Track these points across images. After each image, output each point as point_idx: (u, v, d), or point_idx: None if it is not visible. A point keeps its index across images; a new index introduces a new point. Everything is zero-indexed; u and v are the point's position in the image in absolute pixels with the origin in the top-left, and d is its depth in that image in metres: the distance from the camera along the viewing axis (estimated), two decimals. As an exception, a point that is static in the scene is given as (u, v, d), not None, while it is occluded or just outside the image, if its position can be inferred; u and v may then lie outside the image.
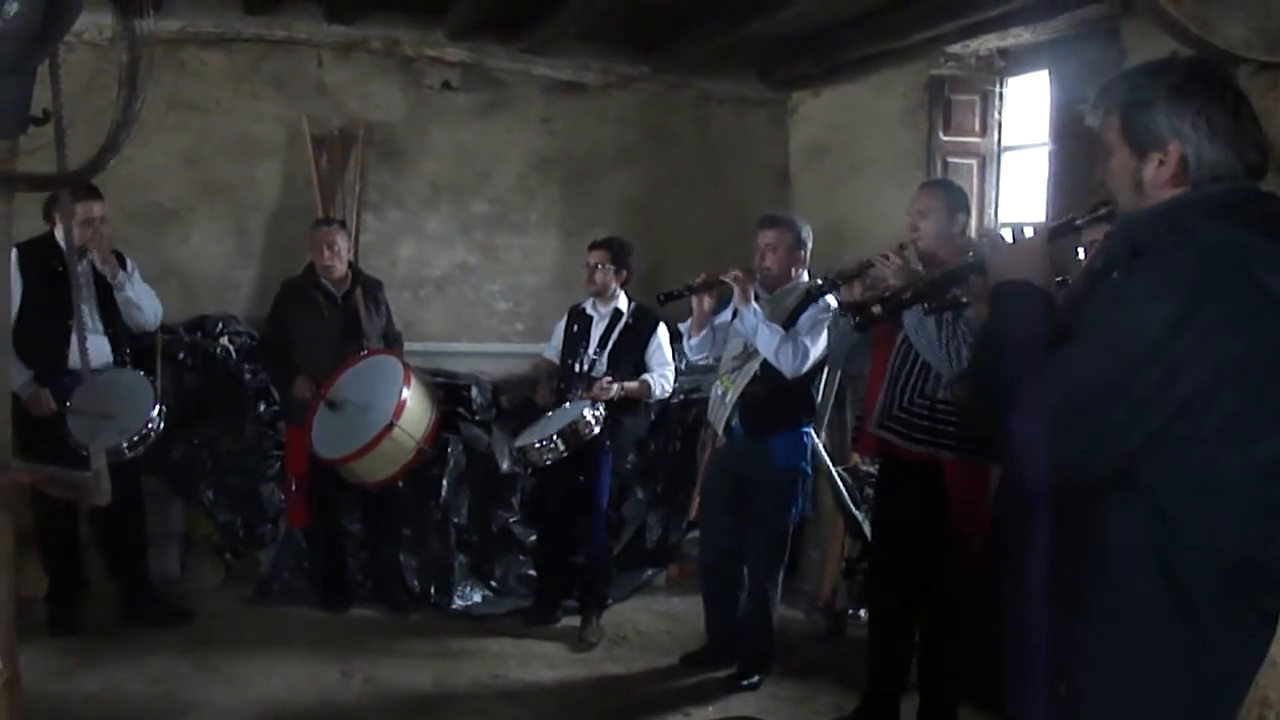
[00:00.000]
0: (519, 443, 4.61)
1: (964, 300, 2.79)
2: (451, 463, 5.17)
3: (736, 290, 3.96)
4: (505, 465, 5.23)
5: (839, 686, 4.12)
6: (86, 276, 4.24)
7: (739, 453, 4.11)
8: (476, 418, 5.40)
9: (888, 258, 3.28)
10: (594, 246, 4.78)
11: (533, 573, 5.16)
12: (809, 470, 4.19)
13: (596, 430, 4.44)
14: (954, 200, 3.54)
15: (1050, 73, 5.10)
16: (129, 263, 4.44)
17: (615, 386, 4.54)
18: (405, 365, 4.64)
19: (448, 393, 5.30)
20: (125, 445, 4.03)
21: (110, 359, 4.33)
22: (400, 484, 4.84)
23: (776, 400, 4.00)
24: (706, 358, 4.34)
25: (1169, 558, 1.58)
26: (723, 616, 4.31)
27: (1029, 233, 1.91)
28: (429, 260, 5.93)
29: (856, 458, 4.88)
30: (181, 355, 4.97)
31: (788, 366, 3.88)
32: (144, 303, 4.41)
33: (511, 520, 5.29)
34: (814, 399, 4.22)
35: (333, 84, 5.66)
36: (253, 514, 5.03)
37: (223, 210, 5.52)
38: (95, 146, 2.10)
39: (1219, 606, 1.58)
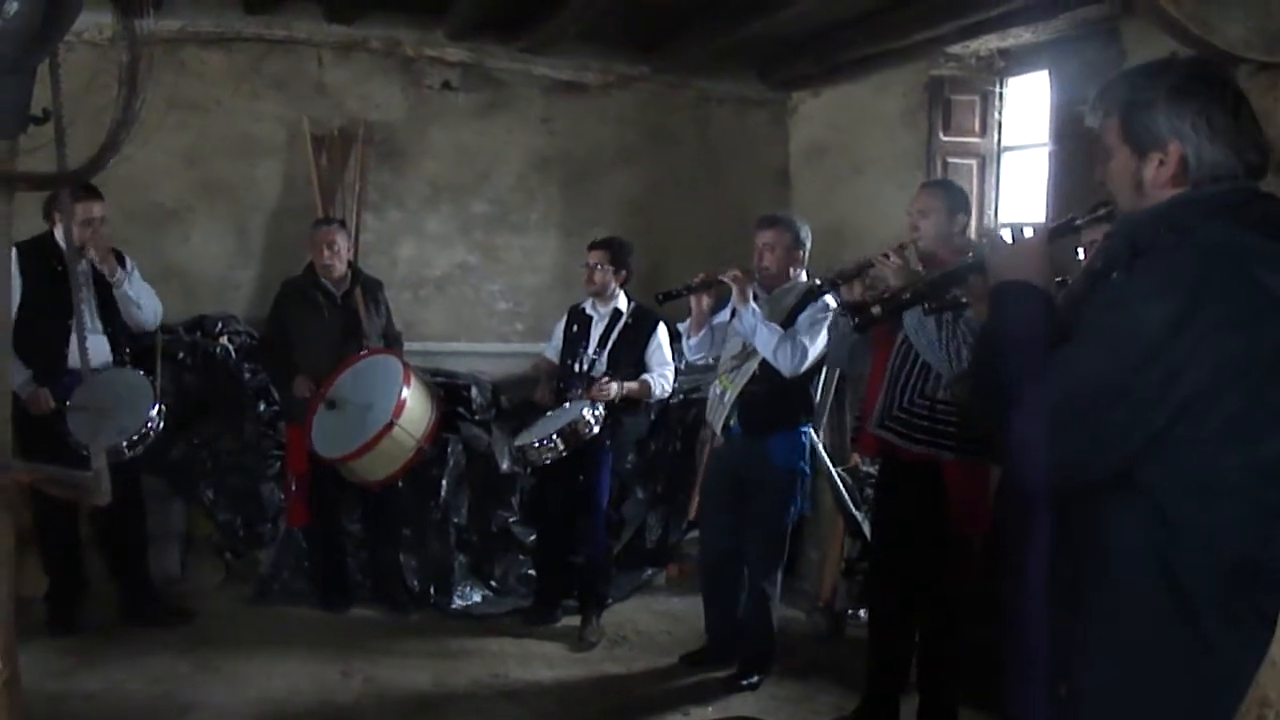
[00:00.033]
0: (519, 442, 4.61)
1: (964, 301, 2.78)
2: (451, 462, 5.17)
3: (735, 290, 3.97)
4: (505, 465, 5.23)
5: (839, 686, 4.12)
6: (86, 276, 4.24)
7: (737, 452, 4.11)
8: (476, 417, 5.40)
9: (888, 257, 3.28)
10: (593, 247, 4.78)
11: (533, 572, 5.16)
12: (807, 470, 4.19)
13: (596, 430, 4.44)
14: (954, 200, 3.54)
15: (1050, 73, 5.10)
16: (128, 261, 4.44)
17: (614, 387, 4.54)
18: (405, 365, 4.64)
19: (447, 392, 5.30)
20: (125, 445, 4.04)
21: (110, 358, 4.33)
22: (400, 483, 4.85)
23: (775, 400, 4.01)
24: (705, 358, 4.35)
25: (1169, 558, 1.58)
26: (722, 616, 4.31)
27: (1028, 233, 1.91)
28: (429, 260, 5.93)
29: (856, 458, 4.88)
30: (181, 355, 4.97)
31: (786, 366, 3.89)
32: (143, 301, 4.41)
33: (511, 520, 5.29)
34: (812, 398, 4.22)
35: (333, 84, 5.66)
36: (253, 513, 5.03)
37: (223, 210, 5.52)
38: (95, 146, 2.10)
39: (1219, 607, 1.58)
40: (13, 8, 1.84)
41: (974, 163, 5.62)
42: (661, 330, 4.73)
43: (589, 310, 4.80)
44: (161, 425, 4.20)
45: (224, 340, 5.15)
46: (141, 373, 4.34)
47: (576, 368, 4.71)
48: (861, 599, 4.65)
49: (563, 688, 4.14)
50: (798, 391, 4.05)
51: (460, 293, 6.01)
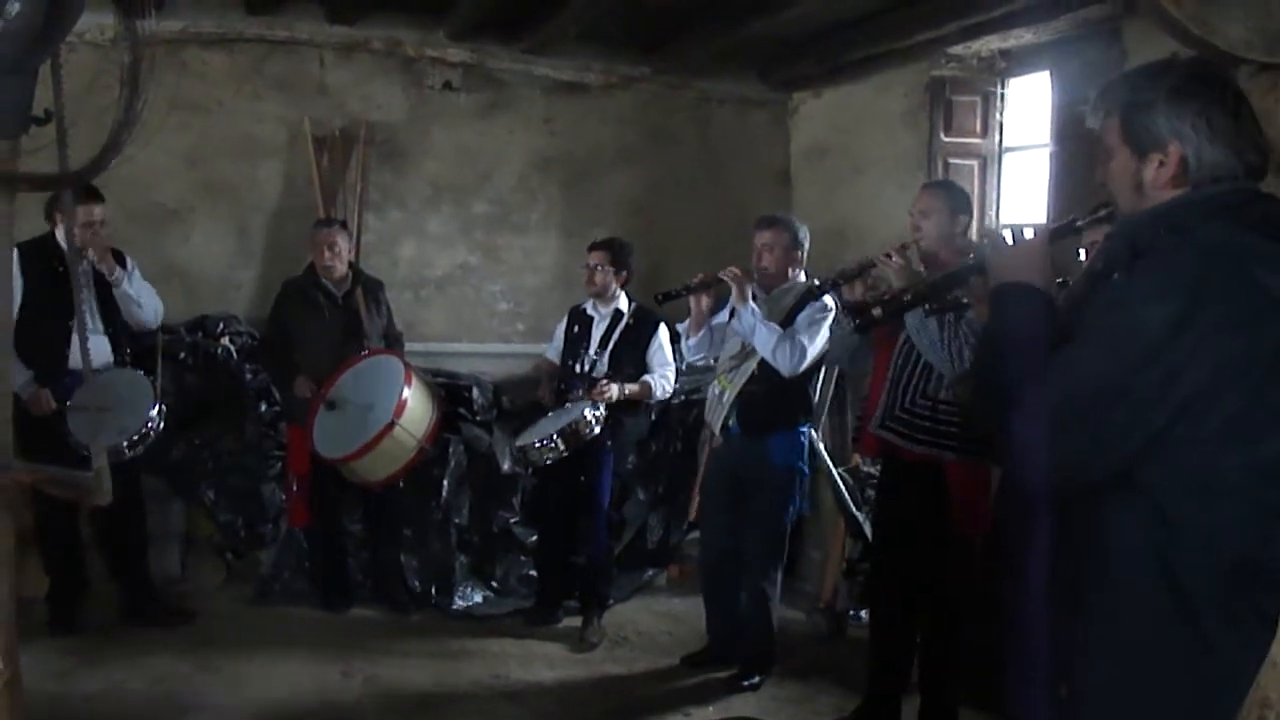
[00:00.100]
0: (520, 442, 4.61)
1: (965, 301, 2.79)
2: (452, 463, 5.18)
3: (734, 289, 3.97)
4: (506, 465, 5.23)
5: (840, 687, 4.12)
6: (87, 276, 4.24)
7: (736, 452, 4.12)
8: (477, 418, 5.40)
9: (890, 258, 3.28)
10: (593, 247, 4.78)
11: (534, 573, 5.16)
12: (806, 469, 4.19)
13: (597, 430, 4.44)
14: (956, 201, 3.54)
15: (1051, 74, 5.10)
16: (129, 261, 4.44)
17: (614, 389, 4.54)
18: (406, 365, 4.64)
19: (449, 393, 5.30)
20: (125, 445, 4.04)
21: (110, 359, 4.34)
22: (401, 484, 4.84)
23: (774, 399, 4.01)
24: (704, 358, 4.35)
25: (1169, 558, 1.58)
26: (723, 617, 4.31)
27: (1029, 234, 1.91)
28: (430, 260, 5.93)
29: (857, 458, 4.88)
30: (183, 355, 4.97)
31: (785, 365, 3.89)
32: (143, 300, 4.41)
33: (512, 520, 5.29)
34: (811, 398, 4.23)
35: (334, 84, 5.67)
36: (254, 514, 5.03)
37: (224, 210, 5.53)
38: (97, 147, 2.10)
39: (1219, 607, 1.58)
40: (14, 8, 1.84)
41: (975, 163, 5.62)
42: (663, 331, 4.73)
43: (590, 311, 4.81)
44: (162, 425, 4.21)
45: (225, 340, 5.15)
46: (142, 373, 4.34)
47: (577, 368, 4.71)
48: (863, 599, 4.65)
49: (564, 688, 4.14)
50: (796, 391, 4.05)
51: (461, 293, 6.01)
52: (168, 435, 4.42)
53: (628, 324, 4.71)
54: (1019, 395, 1.62)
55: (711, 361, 4.34)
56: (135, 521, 4.48)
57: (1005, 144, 5.65)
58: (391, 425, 4.38)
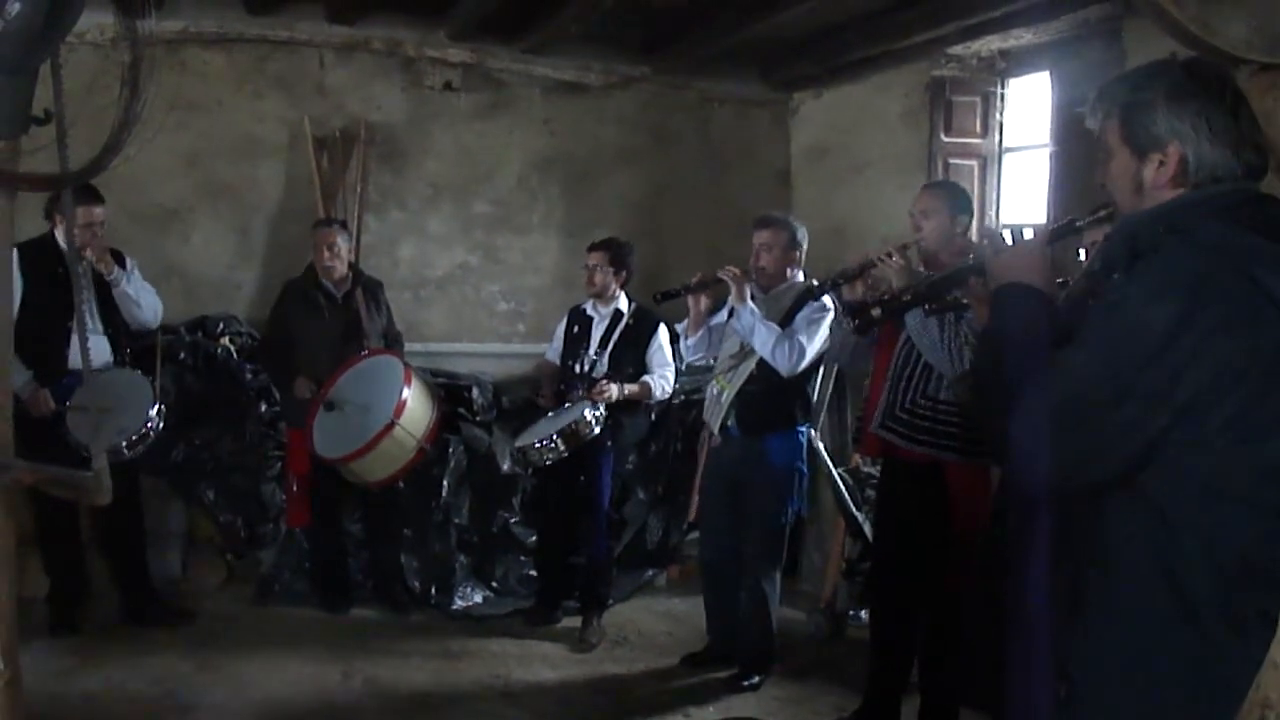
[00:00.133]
0: (519, 443, 4.61)
1: (965, 302, 2.78)
2: (452, 463, 5.18)
3: (733, 288, 3.98)
4: (506, 466, 5.23)
5: (840, 687, 4.11)
6: (87, 277, 4.24)
7: (735, 452, 4.12)
8: (477, 418, 5.40)
9: (890, 257, 3.28)
10: (593, 248, 4.78)
11: (533, 573, 5.16)
12: (805, 469, 4.19)
13: (597, 430, 4.44)
14: (956, 201, 3.54)
15: (1051, 74, 5.10)
16: (128, 261, 4.44)
17: (614, 388, 4.54)
18: (406, 365, 4.64)
19: (449, 393, 5.31)
20: (124, 445, 4.03)
21: (110, 359, 4.34)
22: (401, 484, 4.84)
23: (772, 399, 4.01)
24: (703, 358, 4.35)
25: (1170, 559, 1.58)
26: (723, 617, 4.31)
27: (1028, 234, 1.91)
28: (430, 261, 5.93)
29: (858, 458, 4.88)
30: (183, 355, 4.97)
31: (784, 365, 3.89)
32: (143, 299, 4.41)
33: (512, 521, 5.30)
34: (810, 398, 4.23)
35: (334, 84, 5.67)
36: (254, 514, 5.03)
37: (224, 210, 5.53)
38: (97, 147, 2.10)
39: (1220, 607, 1.58)
40: (14, 8, 1.85)
41: (975, 164, 5.62)
42: (662, 331, 4.73)
43: (590, 311, 4.81)
44: (161, 425, 4.20)
45: (225, 341, 5.15)
46: (141, 373, 4.33)
47: (577, 369, 4.72)
48: (863, 599, 4.65)
49: (564, 688, 4.14)
50: (795, 391, 4.05)
51: (461, 293, 6.01)
52: (168, 435, 4.42)
53: (627, 324, 4.71)
54: (1019, 396, 1.62)
55: (710, 361, 4.35)
56: (133, 521, 4.48)
57: (1005, 144, 5.65)
58: (391, 425, 4.38)
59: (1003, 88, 5.58)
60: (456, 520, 5.18)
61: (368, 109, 5.71)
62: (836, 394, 5.28)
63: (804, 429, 4.18)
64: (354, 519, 5.02)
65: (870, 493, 4.68)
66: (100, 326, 4.30)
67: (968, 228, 3.62)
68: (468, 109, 5.93)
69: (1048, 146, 5.11)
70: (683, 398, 5.38)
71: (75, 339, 3.84)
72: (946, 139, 5.61)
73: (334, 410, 4.54)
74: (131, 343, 4.47)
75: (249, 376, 5.10)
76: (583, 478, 4.66)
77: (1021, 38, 5.11)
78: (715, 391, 4.18)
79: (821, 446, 4.81)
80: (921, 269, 3.38)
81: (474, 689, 4.08)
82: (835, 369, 4.78)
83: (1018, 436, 1.62)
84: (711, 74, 6.21)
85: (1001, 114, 5.62)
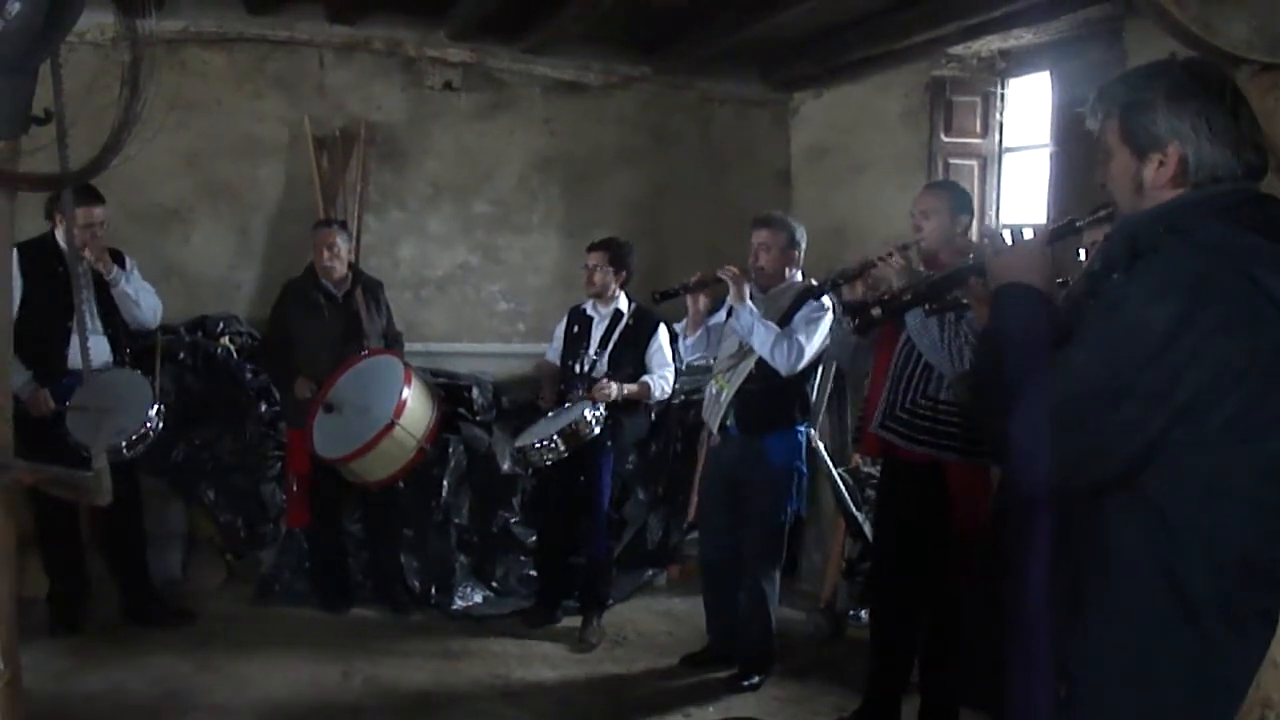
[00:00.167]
0: (519, 443, 4.61)
1: (965, 302, 2.78)
2: (452, 463, 5.18)
3: (732, 288, 3.98)
4: (506, 465, 5.23)
5: (840, 687, 4.11)
6: (87, 276, 4.23)
7: (734, 452, 4.12)
8: (477, 418, 5.40)
9: (891, 256, 3.28)
10: (593, 248, 4.78)
11: (533, 573, 5.16)
12: (804, 468, 4.19)
13: (597, 430, 4.44)
14: (957, 201, 3.54)
15: (1052, 74, 5.11)
16: (128, 261, 4.44)
17: (614, 387, 4.54)
18: (406, 365, 4.64)
19: (449, 393, 5.31)
20: (124, 445, 4.03)
21: (110, 359, 4.33)
22: (401, 484, 4.85)
23: (771, 399, 4.01)
24: (702, 358, 4.35)
25: (1170, 559, 1.58)
26: (723, 616, 4.31)
27: (1028, 235, 1.91)
28: (430, 260, 5.93)
29: (858, 458, 4.88)
30: (183, 355, 4.97)
31: (783, 364, 3.89)
32: (142, 299, 4.40)
33: (512, 521, 5.30)
34: (809, 397, 4.23)
35: (334, 84, 5.67)
36: (254, 514, 5.03)
37: (224, 210, 5.53)
38: (97, 146, 2.10)
39: (1220, 607, 1.58)
40: (14, 8, 1.85)
41: (975, 164, 5.63)
42: (662, 331, 4.73)
43: (589, 311, 4.81)
44: (161, 425, 4.20)
45: (225, 341, 5.15)
46: (140, 373, 4.33)
47: (577, 369, 4.71)
48: (862, 600, 4.65)
49: (563, 688, 4.14)
50: (794, 390, 4.06)
51: (462, 293, 6.01)
52: (168, 435, 4.42)
53: (627, 324, 4.71)
54: (1019, 396, 1.62)
55: (710, 361, 4.35)
56: (134, 521, 4.48)
57: (1005, 144, 5.65)
58: (391, 425, 4.38)
59: (1003, 88, 5.59)
60: (456, 520, 5.18)
61: (368, 109, 5.71)
62: (837, 394, 5.29)
63: (803, 428, 4.18)
64: (354, 519, 5.02)
65: (870, 493, 4.68)
66: (100, 326, 4.29)
67: (968, 228, 3.62)
68: (468, 109, 5.93)
69: (1048, 146, 5.11)
70: (683, 398, 5.38)
71: (75, 339, 3.85)
72: (947, 139, 5.61)
73: (330, 413, 4.53)
74: (131, 343, 4.47)
75: (249, 376, 5.10)
76: (583, 478, 4.66)
77: (1022, 38, 5.12)
78: (714, 391, 4.18)
79: (821, 446, 4.81)
80: (922, 269, 3.38)
81: (474, 689, 4.08)
82: (834, 368, 4.78)
83: (1018, 436, 1.62)
84: (711, 74, 6.21)
85: (1002, 114, 5.63)
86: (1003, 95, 5.60)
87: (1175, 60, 1.78)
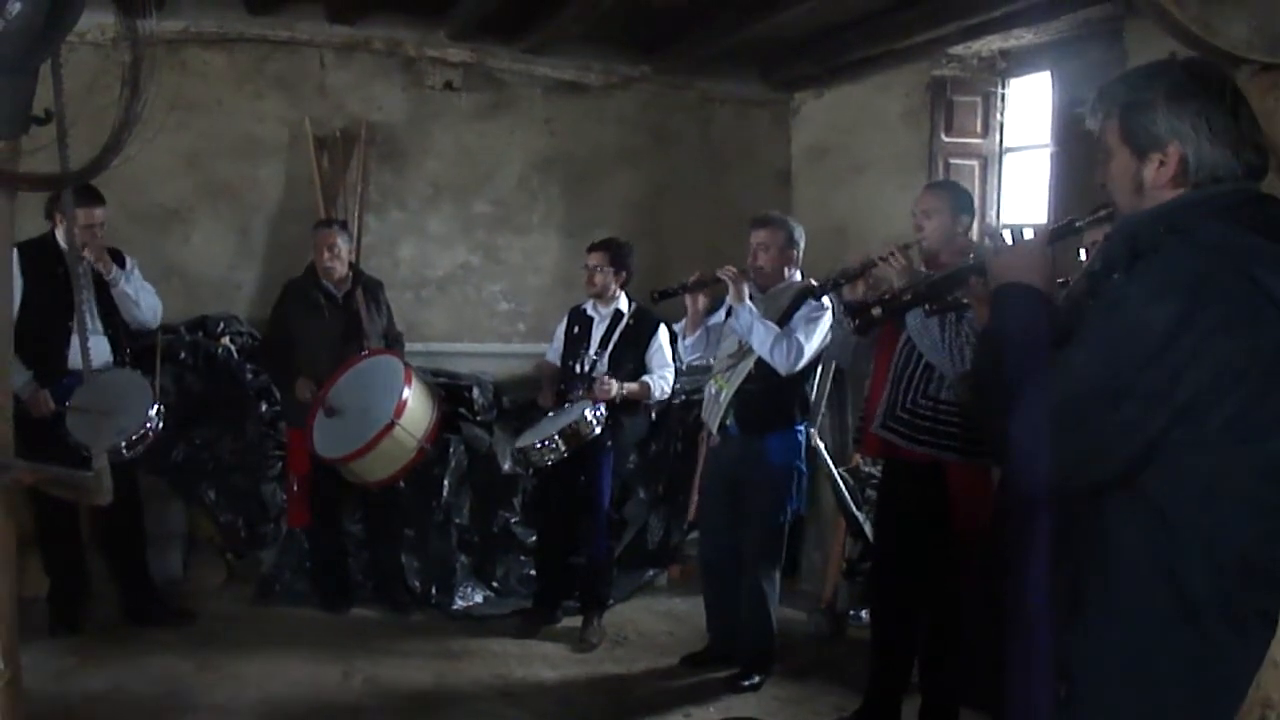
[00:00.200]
0: (520, 443, 4.61)
1: (965, 302, 2.79)
2: (453, 463, 5.18)
3: (731, 287, 3.98)
4: (507, 465, 5.23)
5: (840, 687, 4.11)
6: (87, 277, 4.23)
7: (734, 451, 4.12)
8: (478, 418, 5.40)
9: (892, 256, 3.28)
10: (593, 248, 4.78)
11: (534, 573, 5.16)
12: (804, 468, 4.19)
13: (597, 431, 4.44)
14: (958, 201, 3.55)
15: (1052, 74, 5.11)
16: (128, 260, 4.44)
17: (615, 385, 4.54)
18: (406, 365, 4.64)
19: (449, 393, 5.31)
20: (124, 445, 4.03)
21: (110, 359, 4.33)
22: (402, 484, 4.85)
23: (771, 398, 4.02)
24: (701, 358, 4.36)
25: (1170, 559, 1.58)
26: (723, 616, 4.31)
27: (1029, 235, 1.91)
28: (431, 261, 5.94)
29: (858, 458, 4.88)
30: (183, 355, 4.97)
31: (782, 363, 3.89)
32: (142, 299, 4.40)
33: (513, 521, 5.30)
34: (809, 396, 4.23)
35: (335, 84, 5.67)
36: (254, 514, 5.04)
37: (225, 210, 5.53)
38: (97, 146, 2.10)
39: (1220, 607, 1.58)
40: (15, 8, 1.85)
41: (976, 164, 5.63)
42: (662, 331, 4.73)
43: (590, 311, 4.81)
44: (161, 426, 4.20)
45: (226, 340, 5.15)
46: (140, 373, 4.33)
47: (577, 369, 4.71)
48: (863, 600, 4.65)
49: (564, 688, 4.14)
50: (793, 390, 4.06)
51: (462, 293, 6.01)
52: (168, 435, 4.42)
53: (627, 324, 4.71)
54: (1019, 396, 1.62)
55: (709, 361, 4.35)
56: (133, 521, 4.48)
57: (1006, 144, 5.65)
58: (391, 425, 4.38)
59: (1003, 88, 5.59)
60: (457, 520, 5.19)
61: (368, 109, 5.71)
62: (837, 394, 5.29)
63: (802, 428, 4.18)
64: (354, 519, 5.02)
65: (871, 493, 4.68)
66: (100, 327, 4.29)
67: (969, 228, 3.62)
68: (468, 109, 5.93)
69: (1048, 146, 5.11)
70: (683, 398, 5.38)
71: (75, 339, 3.85)
72: (947, 139, 5.61)
73: (331, 418, 4.53)
74: (131, 343, 4.47)
75: (249, 376, 5.11)
76: (583, 478, 4.66)
77: (1022, 38, 5.12)
78: (713, 391, 4.18)
79: (822, 446, 4.81)
80: (923, 269, 3.38)
81: (474, 689, 4.08)
82: (834, 368, 4.79)
83: (1018, 436, 1.62)
84: (712, 74, 6.21)
85: (1002, 114, 5.63)
86: (1003, 95, 5.60)
87: (1175, 60, 1.78)
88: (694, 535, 5.27)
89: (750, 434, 4.06)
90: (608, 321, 4.74)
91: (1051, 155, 5.05)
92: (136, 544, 4.53)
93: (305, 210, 5.44)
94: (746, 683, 4.13)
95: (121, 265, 4.37)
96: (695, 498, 5.10)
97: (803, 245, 4.19)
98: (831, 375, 4.97)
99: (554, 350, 4.95)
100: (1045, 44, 5.08)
